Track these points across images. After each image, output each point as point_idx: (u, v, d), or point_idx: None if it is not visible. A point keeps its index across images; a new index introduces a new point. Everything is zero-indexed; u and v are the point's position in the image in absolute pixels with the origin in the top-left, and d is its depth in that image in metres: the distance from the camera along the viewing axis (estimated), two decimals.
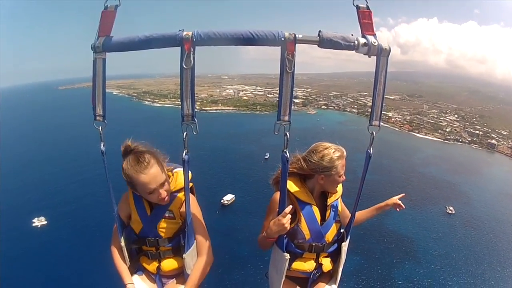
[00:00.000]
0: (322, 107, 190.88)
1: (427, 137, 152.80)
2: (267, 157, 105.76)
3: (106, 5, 2.97)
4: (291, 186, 3.76)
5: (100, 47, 2.98)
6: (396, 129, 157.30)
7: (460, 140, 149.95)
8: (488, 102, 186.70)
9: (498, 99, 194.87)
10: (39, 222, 69.61)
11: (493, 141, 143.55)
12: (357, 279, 54.42)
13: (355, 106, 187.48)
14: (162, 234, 3.70)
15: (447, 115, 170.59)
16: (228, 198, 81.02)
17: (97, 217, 64.47)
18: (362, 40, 2.89)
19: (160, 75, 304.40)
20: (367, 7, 2.96)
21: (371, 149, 3.32)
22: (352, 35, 2.91)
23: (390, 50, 2.99)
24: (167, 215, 3.67)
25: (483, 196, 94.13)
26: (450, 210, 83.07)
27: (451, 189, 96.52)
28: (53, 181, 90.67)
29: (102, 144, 3.29)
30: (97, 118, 3.21)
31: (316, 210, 3.82)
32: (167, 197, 3.55)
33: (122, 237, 3.76)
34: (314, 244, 3.85)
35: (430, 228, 74.50)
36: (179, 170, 3.72)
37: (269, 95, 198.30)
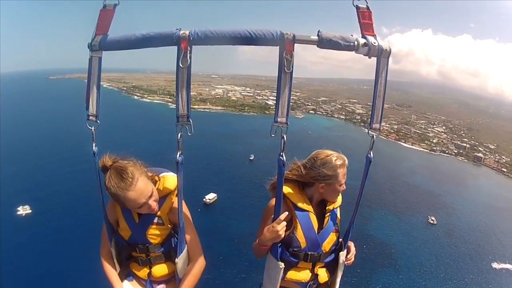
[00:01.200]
0: (310, 111, 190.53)
1: (413, 147, 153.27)
2: (252, 158, 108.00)
3: (104, 3, 2.97)
4: (289, 192, 3.66)
5: (97, 45, 2.98)
6: (383, 137, 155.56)
7: (447, 151, 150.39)
8: (478, 116, 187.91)
9: (488, 113, 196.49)
10: (23, 210, 70.52)
11: (480, 154, 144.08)
12: None
13: (343, 113, 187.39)
14: (152, 241, 3.64)
15: (435, 126, 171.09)
16: (211, 197, 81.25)
17: (83, 208, 66.68)
18: (362, 41, 2.83)
19: (151, 70, 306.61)
20: (367, 8, 2.92)
21: (371, 153, 3.27)
22: (351, 35, 2.86)
23: (390, 51, 2.93)
24: (155, 221, 3.60)
25: (466, 207, 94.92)
26: (432, 220, 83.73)
27: (435, 200, 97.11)
28: (42, 171, 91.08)
29: (94, 145, 3.26)
30: (90, 118, 3.16)
31: (313, 218, 3.70)
32: (156, 207, 3.48)
33: (112, 243, 3.70)
34: (310, 253, 3.71)
35: (411, 237, 75.22)
36: (166, 174, 3.71)
37: (258, 97, 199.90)
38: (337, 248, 3.90)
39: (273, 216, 3.41)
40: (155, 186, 3.53)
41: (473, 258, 68.58)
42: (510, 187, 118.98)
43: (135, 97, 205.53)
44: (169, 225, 3.63)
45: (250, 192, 78.64)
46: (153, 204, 3.40)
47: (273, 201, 3.57)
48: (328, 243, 3.77)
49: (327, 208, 3.78)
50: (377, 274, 59.85)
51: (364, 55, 2.85)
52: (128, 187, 3.20)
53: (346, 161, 3.66)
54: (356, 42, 2.78)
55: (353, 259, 4.04)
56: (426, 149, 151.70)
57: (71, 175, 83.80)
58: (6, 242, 56.04)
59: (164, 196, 3.58)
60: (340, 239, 3.93)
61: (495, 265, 66.96)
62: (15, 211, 69.25)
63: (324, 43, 2.74)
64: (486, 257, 69.40)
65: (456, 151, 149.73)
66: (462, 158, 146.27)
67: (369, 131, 3.13)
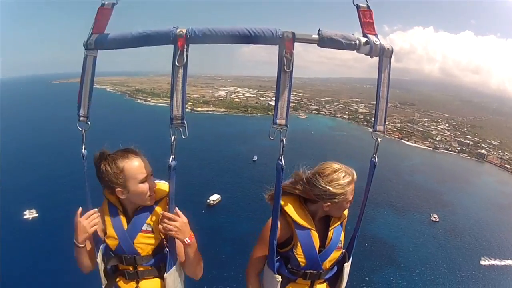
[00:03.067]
0: (313, 111, 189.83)
1: (416, 145, 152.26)
2: (255, 159, 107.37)
3: (103, 2, 2.99)
4: (289, 208, 3.41)
5: (92, 44, 2.99)
6: (386, 135, 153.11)
7: (450, 149, 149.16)
8: (481, 112, 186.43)
9: (491, 109, 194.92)
10: (30, 214, 70.96)
11: (483, 151, 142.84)
12: None
13: (346, 112, 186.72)
14: (140, 251, 3.37)
15: (438, 124, 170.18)
16: (214, 198, 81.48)
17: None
18: (364, 39, 2.80)
19: (154, 73, 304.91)
20: (368, 7, 2.91)
21: (375, 157, 3.18)
22: (353, 34, 2.82)
23: (392, 50, 2.92)
24: (145, 228, 3.35)
25: (469, 205, 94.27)
26: (434, 217, 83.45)
27: (437, 197, 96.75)
28: (47, 176, 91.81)
29: (83, 148, 3.22)
30: (81, 118, 3.18)
31: (315, 236, 3.44)
32: (155, 195, 3.35)
33: (99, 254, 3.47)
34: (309, 272, 3.49)
35: (413, 235, 75.00)
36: (156, 182, 3.43)
37: (261, 98, 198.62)
38: (341, 260, 3.71)
39: (269, 235, 3.28)
40: None
41: (476, 255, 68.30)
42: None
43: (139, 100, 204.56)
44: (159, 235, 3.37)
45: (253, 193, 78.20)
46: (155, 184, 3.34)
47: (270, 222, 3.32)
48: (329, 261, 3.54)
49: (331, 224, 3.54)
50: (379, 271, 60.14)
51: (366, 54, 2.87)
52: (135, 156, 3.22)
53: (355, 176, 3.39)
54: (357, 41, 2.78)
55: None
56: (429, 147, 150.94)
57: (77, 178, 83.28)
58: (13, 245, 56.96)
59: (155, 203, 3.41)
60: (344, 250, 3.71)
61: (497, 261, 66.79)
62: (21, 215, 69.81)
63: (324, 41, 2.72)
64: (489, 253, 68.99)
65: (459, 148, 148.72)
66: (465, 155, 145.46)
67: (373, 134, 3.10)
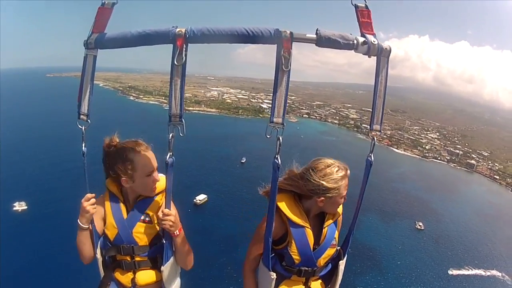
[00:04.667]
0: (304, 115, 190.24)
1: (405, 153, 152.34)
2: (243, 161, 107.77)
3: (103, 1, 3.01)
4: (283, 205, 3.39)
5: (93, 43, 3.01)
6: (375, 142, 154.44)
7: (439, 158, 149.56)
8: (473, 122, 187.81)
9: (483, 120, 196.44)
10: (19, 206, 71.07)
11: (473, 161, 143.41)
12: None
13: (337, 117, 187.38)
14: (138, 240, 3.48)
15: (428, 132, 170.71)
16: (201, 198, 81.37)
17: (78, 206, 66.30)
18: (361, 39, 2.79)
19: (147, 71, 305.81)
20: (366, 7, 2.90)
21: (371, 156, 3.20)
22: (351, 34, 2.81)
23: (390, 50, 2.92)
24: (143, 218, 3.49)
25: (456, 214, 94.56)
26: (419, 225, 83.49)
27: (423, 206, 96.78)
28: (38, 168, 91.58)
29: (83, 145, 3.25)
30: (81, 117, 3.19)
31: (309, 234, 3.44)
32: (156, 187, 3.52)
33: (98, 249, 3.53)
34: (303, 269, 3.48)
35: (397, 241, 75.25)
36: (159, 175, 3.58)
37: (253, 100, 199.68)
38: (335, 257, 3.72)
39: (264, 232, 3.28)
40: None
41: (459, 264, 68.79)
42: (502, 194, 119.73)
43: (131, 97, 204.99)
44: (157, 226, 3.49)
45: (240, 194, 79.55)
46: (158, 176, 3.47)
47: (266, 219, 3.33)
48: (324, 259, 3.54)
49: (325, 222, 3.54)
50: (361, 276, 60.15)
51: (364, 54, 2.86)
52: (146, 148, 3.41)
53: (348, 171, 3.43)
54: (355, 41, 2.77)
55: None
56: (418, 155, 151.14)
57: (67, 173, 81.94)
58: (2, 237, 56.18)
59: (155, 194, 3.57)
60: (339, 248, 3.75)
61: (481, 271, 67.13)
62: (11, 207, 69.70)
63: (322, 41, 2.71)
64: (473, 263, 69.59)
65: (448, 158, 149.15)
66: (455, 164, 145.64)
67: (370, 133, 3.11)
